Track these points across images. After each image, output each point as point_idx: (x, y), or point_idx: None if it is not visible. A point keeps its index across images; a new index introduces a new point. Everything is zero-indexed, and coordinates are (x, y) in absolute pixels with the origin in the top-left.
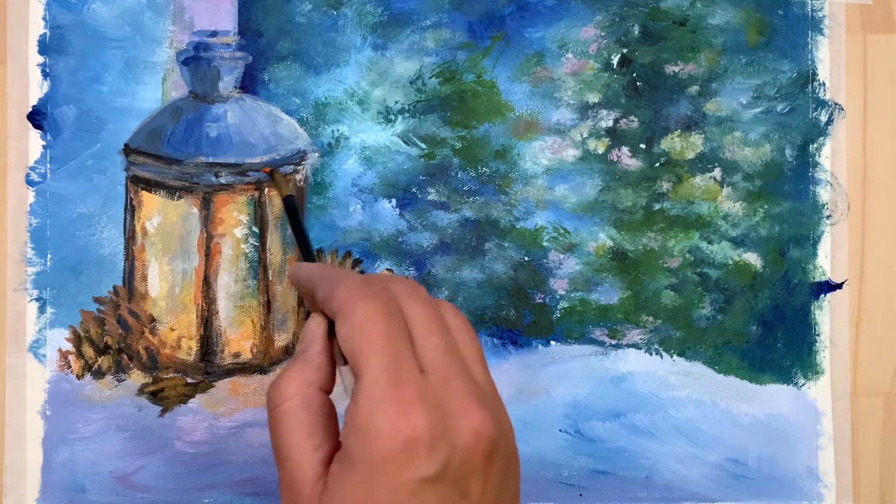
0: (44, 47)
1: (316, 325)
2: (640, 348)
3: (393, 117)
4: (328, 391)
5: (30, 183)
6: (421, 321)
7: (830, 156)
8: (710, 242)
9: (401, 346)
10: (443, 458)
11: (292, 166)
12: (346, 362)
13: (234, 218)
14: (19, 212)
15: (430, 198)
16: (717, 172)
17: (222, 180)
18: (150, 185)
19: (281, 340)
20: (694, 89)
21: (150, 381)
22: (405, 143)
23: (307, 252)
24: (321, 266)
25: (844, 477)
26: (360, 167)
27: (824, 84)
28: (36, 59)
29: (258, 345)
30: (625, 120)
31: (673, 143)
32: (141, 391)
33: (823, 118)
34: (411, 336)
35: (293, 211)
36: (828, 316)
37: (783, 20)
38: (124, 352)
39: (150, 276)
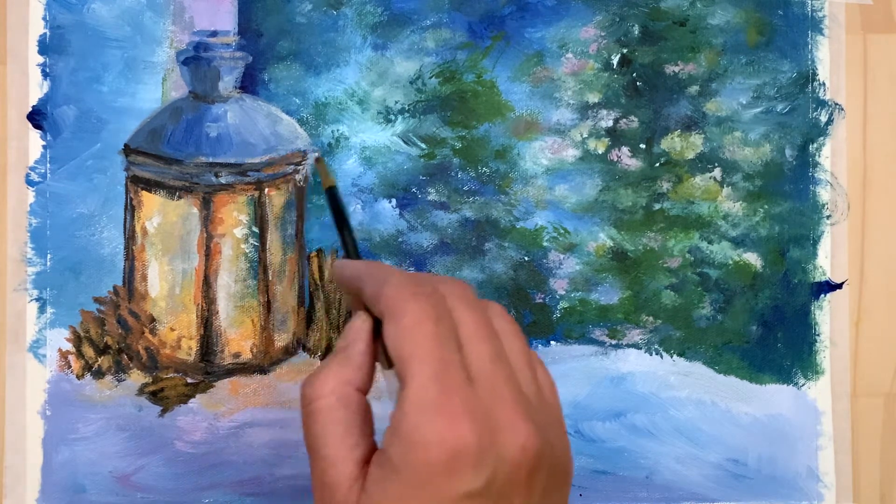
0: (44, 47)
1: (361, 322)
2: (640, 348)
3: (393, 117)
4: (365, 392)
5: (30, 183)
6: (469, 326)
7: (830, 156)
8: (710, 242)
9: (449, 351)
10: (488, 473)
11: (293, 166)
12: (390, 365)
13: (234, 218)
14: (19, 212)
15: (430, 198)
16: (717, 172)
17: (222, 180)
18: (150, 185)
19: (281, 340)
20: (694, 89)
21: (150, 381)
22: (405, 143)
23: (351, 248)
24: (367, 263)
25: (844, 477)
26: (360, 167)
27: (824, 84)
28: (36, 59)
29: (258, 345)
30: (625, 120)
31: (673, 143)
32: (141, 391)
33: (823, 118)
34: (459, 341)
35: (337, 203)
36: (828, 316)
37: (783, 20)
38: (124, 352)
39: (150, 276)
